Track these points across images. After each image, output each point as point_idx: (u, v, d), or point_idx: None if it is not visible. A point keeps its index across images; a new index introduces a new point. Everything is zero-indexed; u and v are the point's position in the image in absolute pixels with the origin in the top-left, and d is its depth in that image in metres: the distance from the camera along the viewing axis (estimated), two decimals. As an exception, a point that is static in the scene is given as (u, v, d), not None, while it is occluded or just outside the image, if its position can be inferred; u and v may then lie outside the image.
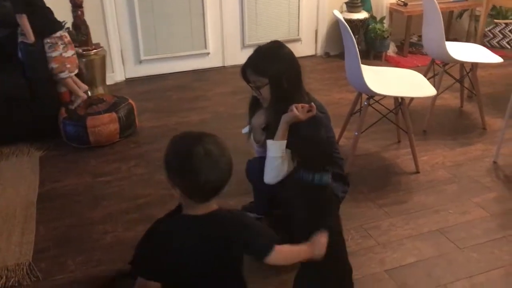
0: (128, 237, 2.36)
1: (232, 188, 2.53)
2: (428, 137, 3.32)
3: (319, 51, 4.97)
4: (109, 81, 4.22)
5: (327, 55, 4.97)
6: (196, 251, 1.35)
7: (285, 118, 1.93)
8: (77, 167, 3.01)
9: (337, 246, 1.78)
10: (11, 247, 2.30)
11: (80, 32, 3.54)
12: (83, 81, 3.42)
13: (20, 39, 3.12)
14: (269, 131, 2.06)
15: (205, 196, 1.35)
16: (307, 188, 1.74)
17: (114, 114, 3.20)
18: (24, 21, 3.01)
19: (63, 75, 3.23)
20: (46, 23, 3.14)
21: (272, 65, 1.95)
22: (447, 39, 3.42)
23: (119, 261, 2.18)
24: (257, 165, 2.16)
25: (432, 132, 3.37)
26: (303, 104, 1.90)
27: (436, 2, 3.07)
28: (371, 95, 2.78)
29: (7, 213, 2.54)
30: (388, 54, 4.88)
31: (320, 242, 1.50)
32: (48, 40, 3.13)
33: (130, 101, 3.39)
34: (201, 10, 4.36)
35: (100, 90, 3.74)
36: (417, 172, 2.90)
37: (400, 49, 4.98)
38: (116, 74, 4.32)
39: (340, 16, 2.77)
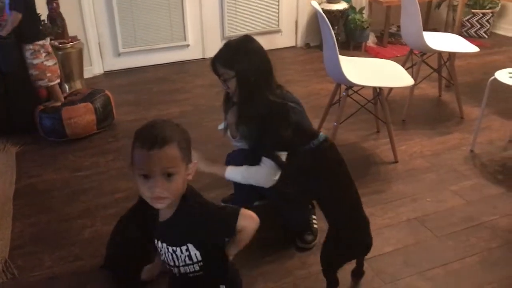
0: (106, 232, 2.30)
1: (212, 180, 2.59)
2: (407, 126, 3.35)
3: (300, 42, 4.97)
4: (87, 75, 4.17)
5: (307, 46, 4.97)
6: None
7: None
8: (54, 161, 2.97)
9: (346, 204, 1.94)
10: (-13, 245, 2.26)
11: (55, 25, 3.48)
12: (60, 75, 3.37)
13: None
14: (240, 125, 2.06)
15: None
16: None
17: (89, 105, 3.16)
18: (17, 19, 2.98)
19: (41, 83, 3.20)
20: (34, 30, 3.11)
21: (239, 58, 1.95)
22: (426, 29, 3.44)
23: (99, 255, 2.16)
24: (236, 158, 2.17)
25: (410, 122, 3.40)
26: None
27: (413, -8, 3.08)
28: (350, 85, 2.79)
29: (-17, 210, 2.50)
30: (368, 44, 4.90)
31: None
32: (31, 47, 3.10)
33: (107, 92, 3.36)
34: (180, 1, 4.32)
35: (77, 84, 3.69)
36: (396, 161, 2.92)
37: (379, 39, 5.00)
38: (94, 67, 4.26)
39: (318, 7, 2.77)
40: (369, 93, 3.06)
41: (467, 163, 2.90)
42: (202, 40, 4.55)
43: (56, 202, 2.59)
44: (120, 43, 4.27)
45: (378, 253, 2.20)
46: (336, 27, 4.76)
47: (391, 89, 3.70)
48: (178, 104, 3.70)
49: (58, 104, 3.19)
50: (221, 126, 2.29)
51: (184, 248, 1.35)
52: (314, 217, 2.36)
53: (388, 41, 4.95)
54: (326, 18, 2.68)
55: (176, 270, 1.41)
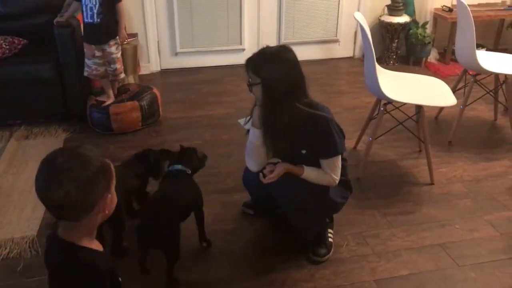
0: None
1: (236, 184, 2.62)
2: (452, 148, 3.20)
3: (358, 53, 4.89)
4: (144, 71, 4.37)
5: (365, 58, 4.87)
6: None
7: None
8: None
9: None
10: (21, 221, 2.44)
11: (115, 22, 3.66)
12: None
13: (56, 19, 3.25)
14: (264, 129, 2.07)
15: (50, 212, 1.22)
16: None
17: (136, 103, 3.30)
18: (123, 9, 3.19)
19: (122, 75, 3.38)
20: (116, 24, 3.24)
21: (268, 67, 1.93)
22: (496, 50, 3.26)
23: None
24: (253, 174, 2.19)
25: (457, 144, 3.24)
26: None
27: (468, 9, 2.93)
28: (386, 100, 2.71)
29: (24, 188, 2.69)
30: (429, 60, 4.72)
31: None
32: (116, 41, 3.24)
33: (154, 90, 3.49)
34: (239, 5, 4.40)
35: (130, 79, 3.86)
36: (432, 183, 2.80)
37: (442, 56, 4.80)
38: (152, 64, 4.44)
39: (361, 19, 2.72)
40: (412, 110, 2.96)
41: (509, 193, 2.72)
42: (257, 45, 4.60)
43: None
44: (178, 43, 4.42)
45: (390, 275, 2.14)
46: (396, 41, 4.63)
47: (441, 108, 3.55)
48: (223, 106, 3.76)
49: (110, 102, 3.34)
50: (242, 121, 2.30)
51: None
52: (330, 231, 2.32)
53: (451, 58, 4.74)
54: (368, 31, 2.63)
55: None
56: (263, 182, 2.04)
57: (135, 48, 3.88)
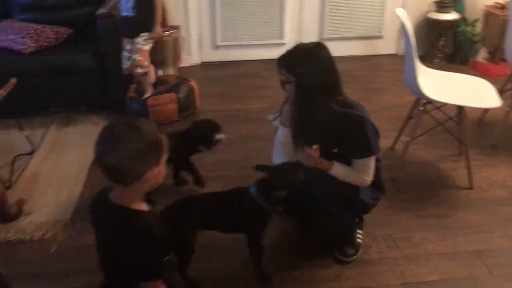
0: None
1: None
2: (495, 152, 3.06)
3: (401, 50, 4.73)
4: (185, 63, 4.41)
5: (409, 55, 4.73)
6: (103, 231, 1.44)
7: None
8: (133, 140, 3.19)
9: None
10: (56, 205, 2.52)
11: (156, 14, 3.71)
12: (154, 62, 3.58)
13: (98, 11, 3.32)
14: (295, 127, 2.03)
15: (105, 175, 1.33)
16: None
17: (173, 95, 3.34)
18: (159, 5, 3.19)
19: (140, 69, 3.28)
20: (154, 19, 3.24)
21: (302, 64, 1.89)
22: None
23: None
24: None
25: (501, 148, 3.09)
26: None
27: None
28: (426, 100, 2.62)
29: (62, 174, 2.78)
30: (477, 60, 4.53)
31: None
32: (148, 36, 3.24)
33: (192, 83, 3.52)
34: (280, 0, 4.37)
35: (170, 71, 3.91)
36: (471, 188, 2.69)
37: (492, 55, 4.59)
38: (193, 57, 4.48)
39: (403, 16, 2.64)
40: (453, 111, 2.85)
41: (555, 202, 2.58)
42: (298, 40, 4.53)
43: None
44: (219, 36, 4.43)
45: (419, 280, 2.07)
46: (444, 39, 4.47)
47: (486, 110, 3.39)
48: (260, 101, 3.75)
49: (148, 95, 3.36)
50: (271, 117, 2.28)
51: None
52: (359, 231, 2.27)
53: (501, 58, 4.52)
54: (409, 28, 2.55)
55: None
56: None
57: (175, 41, 3.92)
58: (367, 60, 4.63)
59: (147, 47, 3.29)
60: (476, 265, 2.15)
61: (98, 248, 1.51)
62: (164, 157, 1.37)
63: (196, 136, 2.51)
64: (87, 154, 2.98)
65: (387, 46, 4.73)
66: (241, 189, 2.02)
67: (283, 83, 1.96)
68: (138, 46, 3.25)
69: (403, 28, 2.56)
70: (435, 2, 4.48)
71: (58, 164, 2.88)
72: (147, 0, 3.17)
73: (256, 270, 2.05)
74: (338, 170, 2.00)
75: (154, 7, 3.21)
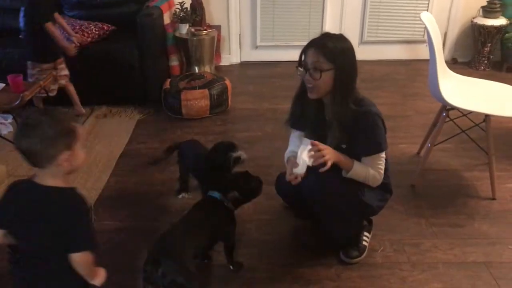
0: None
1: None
2: (526, 163, 2.95)
3: (446, 56, 4.62)
4: (224, 62, 4.54)
5: (454, 61, 4.61)
6: (24, 215, 1.47)
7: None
8: (164, 134, 3.34)
9: None
10: (83, 190, 2.64)
11: (194, 13, 3.85)
12: (190, 60, 3.70)
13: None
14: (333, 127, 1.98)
15: (23, 159, 1.44)
16: None
17: (206, 91, 3.46)
18: None
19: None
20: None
21: (342, 54, 1.86)
22: None
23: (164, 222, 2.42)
24: (285, 184, 2.05)
25: (533, 159, 2.97)
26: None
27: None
28: (448, 106, 2.57)
29: (92, 162, 2.96)
30: (525, 67, 4.34)
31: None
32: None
33: (226, 81, 3.62)
34: (322, 1, 4.39)
35: (206, 68, 4.04)
36: (493, 198, 2.61)
37: (542, 64, 4.39)
38: (232, 56, 4.59)
39: (428, 20, 2.61)
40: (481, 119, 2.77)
41: None
42: (338, 42, 4.55)
43: (151, 168, 2.91)
44: (259, 37, 4.52)
45: (420, 286, 2.05)
46: (489, 45, 4.32)
47: (520, 119, 3.27)
48: (290, 101, 3.77)
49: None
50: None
51: None
52: (367, 234, 2.27)
53: (552, 67, 4.31)
54: (433, 33, 2.52)
55: None
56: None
57: (212, 40, 4.04)
58: (407, 64, 4.56)
59: None
60: (483, 276, 2.10)
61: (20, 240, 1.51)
62: (77, 144, 1.47)
63: (212, 156, 2.37)
64: (117, 144, 3.16)
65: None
66: (208, 200, 2.10)
67: (315, 69, 1.88)
68: None
69: (427, 32, 2.52)
70: (482, 7, 4.34)
71: (90, 152, 3.06)
72: None
73: (228, 260, 2.13)
74: (357, 169, 1.97)
75: None
